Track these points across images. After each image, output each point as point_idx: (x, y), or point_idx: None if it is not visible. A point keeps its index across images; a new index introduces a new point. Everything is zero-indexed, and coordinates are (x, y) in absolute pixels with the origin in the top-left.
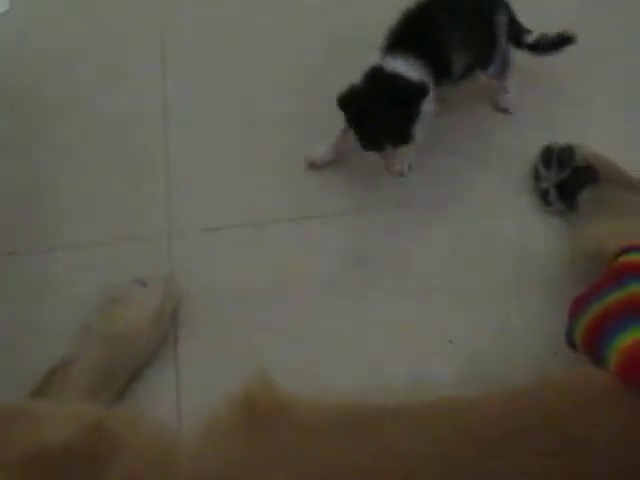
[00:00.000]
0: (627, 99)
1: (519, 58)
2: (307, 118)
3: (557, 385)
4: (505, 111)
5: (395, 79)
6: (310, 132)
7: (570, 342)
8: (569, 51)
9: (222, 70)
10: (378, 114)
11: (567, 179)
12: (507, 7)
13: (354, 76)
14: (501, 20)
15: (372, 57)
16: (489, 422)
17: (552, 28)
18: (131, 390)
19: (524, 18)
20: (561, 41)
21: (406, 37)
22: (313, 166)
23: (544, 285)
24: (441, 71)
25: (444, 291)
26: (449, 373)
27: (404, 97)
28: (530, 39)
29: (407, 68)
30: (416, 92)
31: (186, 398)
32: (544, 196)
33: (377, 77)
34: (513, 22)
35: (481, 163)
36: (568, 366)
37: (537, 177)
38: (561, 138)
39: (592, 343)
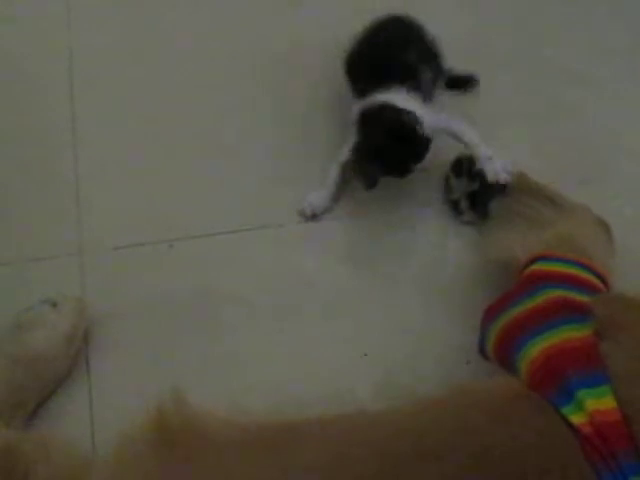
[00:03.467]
0: (531, 110)
1: None
2: (217, 134)
3: (469, 395)
4: None
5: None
6: (221, 148)
7: (482, 351)
8: (471, 65)
9: (131, 90)
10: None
11: (477, 189)
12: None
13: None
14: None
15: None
16: (400, 435)
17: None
18: (43, 412)
19: None
20: (465, 82)
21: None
22: (314, 217)
23: (457, 294)
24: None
25: (355, 304)
26: (365, 386)
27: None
28: None
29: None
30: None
31: (99, 418)
32: (455, 206)
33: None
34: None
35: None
36: (481, 374)
37: (448, 188)
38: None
39: (503, 352)
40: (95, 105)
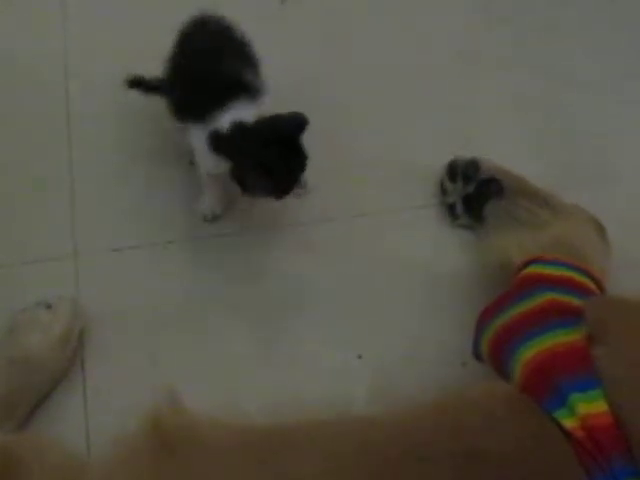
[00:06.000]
0: (528, 113)
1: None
2: None
3: (462, 400)
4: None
5: (274, 120)
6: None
7: (477, 354)
8: (471, 65)
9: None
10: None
11: (473, 192)
12: None
13: None
14: None
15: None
16: (396, 438)
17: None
18: (38, 414)
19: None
20: None
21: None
22: (213, 219)
23: (452, 296)
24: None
25: (351, 306)
26: (360, 388)
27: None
28: None
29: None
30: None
31: (95, 421)
32: (451, 210)
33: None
34: None
35: (386, 178)
36: (477, 377)
37: (443, 191)
38: (465, 153)
39: (497, 355)
40: (91, 105)
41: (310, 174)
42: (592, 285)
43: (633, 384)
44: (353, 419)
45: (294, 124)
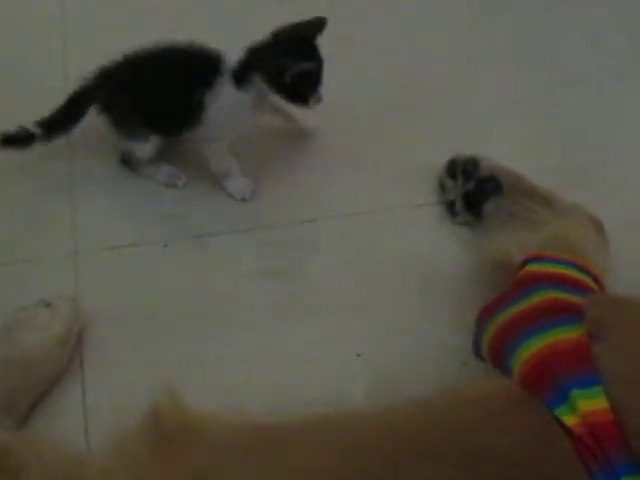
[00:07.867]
0: (528, 112)
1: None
2: None
3: (462, 396)
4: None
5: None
6: None
7: (477, 352)
8: (470, 68)
9: None
10: None
11: (472, 190)
12: None
13: None
14: None
15: None
16: (396, 435)
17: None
18: (37, 413)
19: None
20: None
21: None
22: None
23: (452, 295)
24: None
25: (350, 304)
26: (359, 386)
27: None
28: None
29: None
30: None
31: (93, 419)
32: (451, 207)
33: None
34: None
35: (386, 176)
36: (477, 375)
37: (443, 189)
38: (465, 151)
39: (497, 353)
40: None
41: (310, 171)
42: (591, 283)
43: (633, 381)
44: (353, 415)
45: (315, 27)
